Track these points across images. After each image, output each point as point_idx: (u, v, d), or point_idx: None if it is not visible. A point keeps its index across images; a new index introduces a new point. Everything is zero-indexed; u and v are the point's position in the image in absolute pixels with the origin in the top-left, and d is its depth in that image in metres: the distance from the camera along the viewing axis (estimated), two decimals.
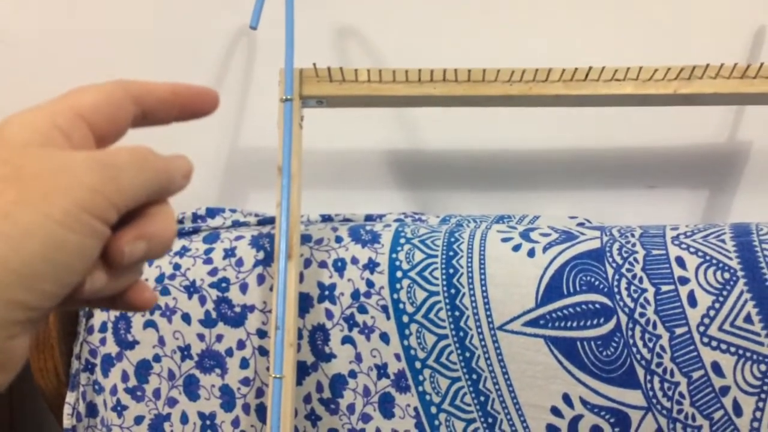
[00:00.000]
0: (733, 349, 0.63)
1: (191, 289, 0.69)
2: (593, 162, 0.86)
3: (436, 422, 0.66)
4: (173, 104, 0.30)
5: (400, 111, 0.87)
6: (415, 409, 0.67)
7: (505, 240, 0.69)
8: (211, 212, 0.76)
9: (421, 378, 0.66)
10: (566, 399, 0.65)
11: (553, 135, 0.86)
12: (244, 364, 0.68)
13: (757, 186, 0.84)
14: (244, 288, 0.68)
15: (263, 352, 0.68)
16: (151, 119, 0.30)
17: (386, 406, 0.67)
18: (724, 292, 0.63)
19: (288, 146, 0.67)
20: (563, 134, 0.86)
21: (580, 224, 0.77)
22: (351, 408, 0.68)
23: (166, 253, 0.30)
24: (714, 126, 0.84)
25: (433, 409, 0.66)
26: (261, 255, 0.69)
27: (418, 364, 0.66)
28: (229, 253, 0.70)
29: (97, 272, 0.26)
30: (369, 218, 0.77)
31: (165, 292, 0.69)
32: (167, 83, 0.30)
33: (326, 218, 0.77)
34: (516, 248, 0.68)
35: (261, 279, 0.69)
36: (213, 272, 0.69)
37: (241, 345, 0.68)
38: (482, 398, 0.66)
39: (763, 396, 0.63)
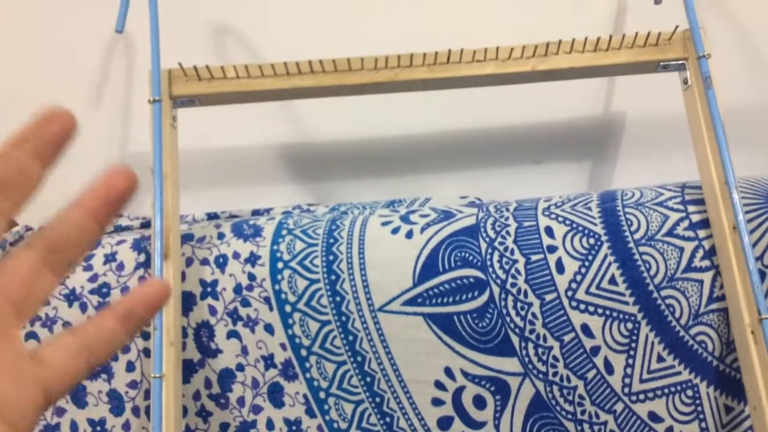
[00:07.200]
0: (600, 311, 0.65)
1: (71, 297, 0.68)
2: (482, 141, 0.88)
3: (326, 407, 0.68)
4: (88, 218, 0.26)
5: (288, 105, 0.88)
6: (305, 396, 0.68)
7: (385, 224, 0.70)
8: None
9: (307, 365, 0.67)
10: (448, 372, 0.66)
11: (442, 117, 0.88)
12: (130, 367, 0.68)
13: (633, 153, 0.87)
14: (125, 292, 0.68)
15: (148, 353, 0.68)
16: (75, 252, 0.26)
17: (276, 396, 0.68)
18: (590, 257, 0.66)
19: (159, 147, 0.67)
20: (451, 116, 0.88)
21: (471, 203, 0.79)
22: (241, 401, 0.68)
23: None
24: (590, 99, 0.87)
25: (322, 395, 0.68)
26: (142, 257, 0.69)
27: (303, 352, 0.67)
28: (110, 258, 0.70)
29: None
30: (256, 213, 0.78)
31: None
32: (71, 203, 0.25)
33: (212, 216, 0.77)
34: (395, 231, 0.69)
35: (142, 281, 0.69)
36: (93, 278, 0.69)
37: (125, 349, 0.68)
38: (368, 379, 0.67)
39: (632, 353, 0.66)
